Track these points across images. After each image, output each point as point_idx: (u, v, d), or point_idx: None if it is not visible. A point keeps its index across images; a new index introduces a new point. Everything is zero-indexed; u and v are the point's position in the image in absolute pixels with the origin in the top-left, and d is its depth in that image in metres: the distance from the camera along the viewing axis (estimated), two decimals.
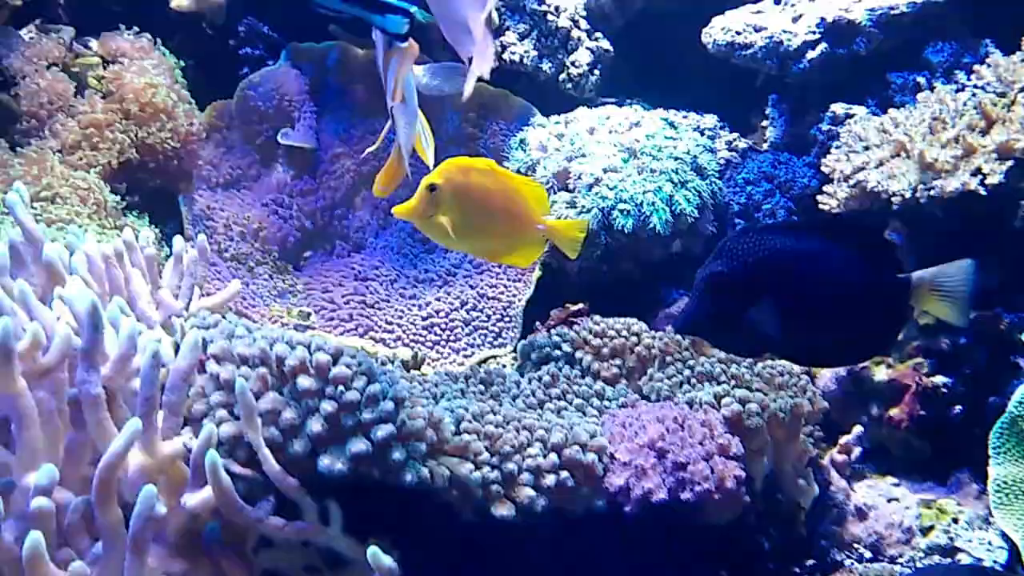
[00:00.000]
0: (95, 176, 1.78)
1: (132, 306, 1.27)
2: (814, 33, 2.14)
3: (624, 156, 2.02)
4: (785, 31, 2.15)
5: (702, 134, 2.26)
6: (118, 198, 1.83)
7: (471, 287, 2.16)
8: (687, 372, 1.61)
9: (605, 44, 2.37)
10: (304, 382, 1.13)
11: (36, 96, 1.85)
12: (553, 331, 1.77)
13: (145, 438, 1.05)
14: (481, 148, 2.25)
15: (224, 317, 1.33)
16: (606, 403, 1.54)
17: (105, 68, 1.95)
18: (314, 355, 1.15)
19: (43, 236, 1.28)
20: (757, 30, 2.18)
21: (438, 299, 2.13)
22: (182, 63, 2.07)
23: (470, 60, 1.34)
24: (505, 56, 2.24)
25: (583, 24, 2.36)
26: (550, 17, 2.30)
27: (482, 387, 1.54)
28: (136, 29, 2.03)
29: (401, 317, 2.09)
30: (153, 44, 2.03)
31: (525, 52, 2.27)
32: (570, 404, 1.53)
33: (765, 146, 2.31)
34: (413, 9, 1.34)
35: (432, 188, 1.37)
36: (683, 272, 2.09)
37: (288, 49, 2.15)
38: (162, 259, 1.44)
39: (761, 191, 2.19)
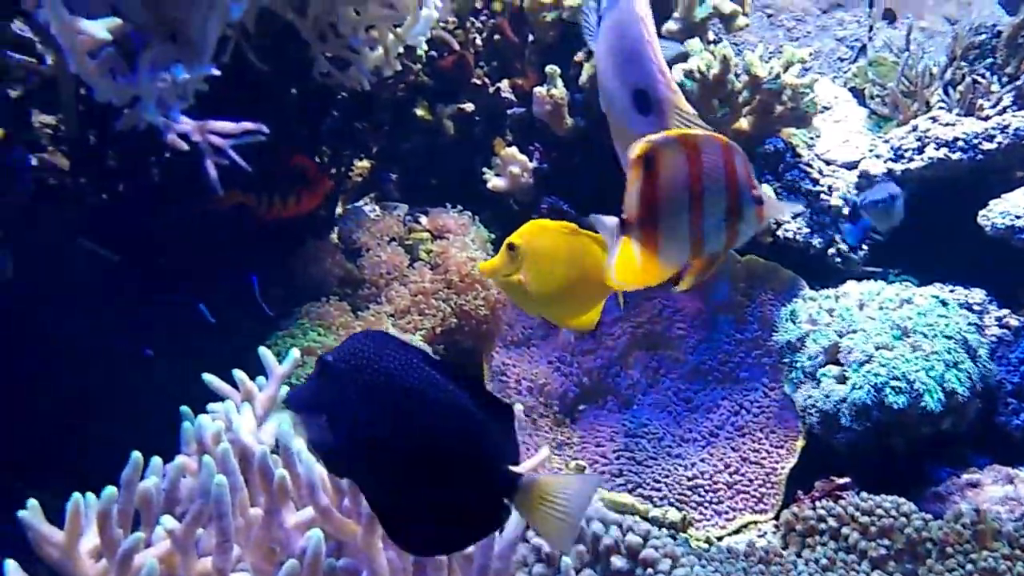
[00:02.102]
0: (420, 338, 1.94)
1: None
2: None
3: (896, 333, 1.98)
4: None
5: (970, 310, 2.18)
6: (437, 358, 1.96)
7: (733, 450, 2.15)
8: (969, 567, 1.53)
9: None
10: (617, 562, 1.19)
11: (377, 267, 2.05)
12: (818, 503, 1.74)
13: None
14: (749, 316, 2.27)
15: None
16: None
17: (433, 242, 2.14)
18: (626, 536, 1.20)
19: None
20: None
21: (703, 460, 2.13)
22: (492, 236, 2.24)
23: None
24: (779, 232, 2.28)
25: None
26: (823, 196, 2.33)
27: (762, 567, 1.53)
28: (460, 207, 2.23)
29: (667, 476, 2.10)
30: (472, 220, 2.21)
31: (798, 229, 2.30)
32: None
33: None
34: None
35: (511, 247, 1.34)
36: (951, 451, 2.01)
37: None
38: None
39: None
